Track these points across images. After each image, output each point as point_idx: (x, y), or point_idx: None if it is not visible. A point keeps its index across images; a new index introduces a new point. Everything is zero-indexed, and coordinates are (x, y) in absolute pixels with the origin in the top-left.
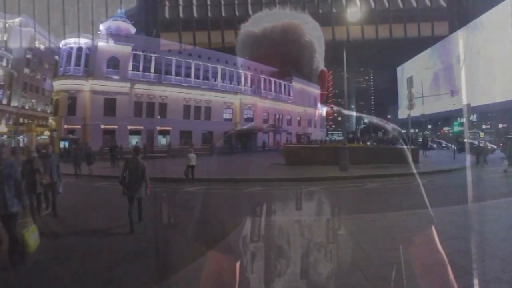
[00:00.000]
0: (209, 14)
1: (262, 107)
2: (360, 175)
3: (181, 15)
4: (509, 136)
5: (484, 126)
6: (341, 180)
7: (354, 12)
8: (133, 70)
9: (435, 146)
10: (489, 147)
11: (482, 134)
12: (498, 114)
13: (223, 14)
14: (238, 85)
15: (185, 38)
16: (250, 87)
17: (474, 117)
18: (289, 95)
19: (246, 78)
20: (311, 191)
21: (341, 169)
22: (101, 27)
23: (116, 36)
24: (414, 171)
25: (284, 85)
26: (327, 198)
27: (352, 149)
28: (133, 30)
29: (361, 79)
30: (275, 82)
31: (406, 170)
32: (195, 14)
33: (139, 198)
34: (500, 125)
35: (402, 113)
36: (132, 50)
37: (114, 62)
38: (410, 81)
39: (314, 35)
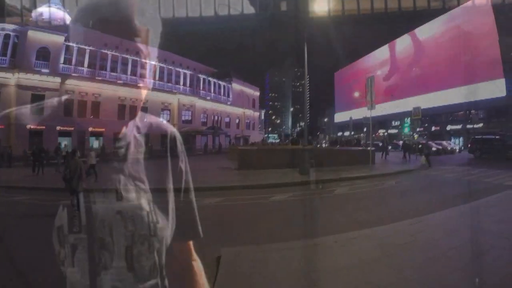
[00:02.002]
0: None
1: (200, 108)
2: (323, 179)
3: None
4: (476, 137)
5: (418, 129)
6: (306, 186)
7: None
8: (64, 63)
9: (390, 147)
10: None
11: (416, 136)
12: (430, 118)
13: None
14: (177, 84)
15: None
16: (189, 86)
17: (408, 120)
18: (228, 96)
19: (185, 77)
20: (281, 200)
21: (301, 173)
22: (33, 13)
23: (48, 24)
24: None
25: (224, 86)
26: (308, 209)
27: (309, 151)
28: (68, 18)
29: (297, 83)
30: (214, 82)
31: (366, 172)
32: None
33: (79, 191)
34: (433, 128)
35: (339, 117)
36: (65, 40)
37: (44, 53)
38: (371, 81)
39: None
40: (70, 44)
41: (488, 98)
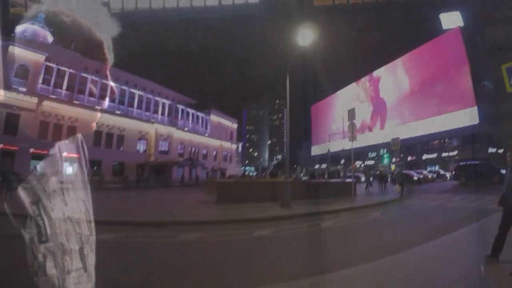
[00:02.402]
0: None
1: (178, 139)
2: (306, 213)
3: None
4: (460, 164)
5: (394, 159)
6: (291, 220)
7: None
8: (43, 83)
9: (371, 179)
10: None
11: (393, 167)
12: (406, 148)
13: None
14: (155, 113)
15: None
16: (167, 116)
17: (385, 151)
18: (206, 128)
19: (163, 107)
20: (265, 235)
21: (283, 206)
22: (17, 29)
23: (31, 42)
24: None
25: (202, 117)
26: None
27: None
28: (50, 38)
29: (275, 117)
30: (192, 114)
31: (349, 204)
32: None
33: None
34: (409, 158)
35: (315, 150)
36: (46, 60)
37: (23, 71)
38: (351, 112)
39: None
40: (50, 64)
41: (462, 126)
